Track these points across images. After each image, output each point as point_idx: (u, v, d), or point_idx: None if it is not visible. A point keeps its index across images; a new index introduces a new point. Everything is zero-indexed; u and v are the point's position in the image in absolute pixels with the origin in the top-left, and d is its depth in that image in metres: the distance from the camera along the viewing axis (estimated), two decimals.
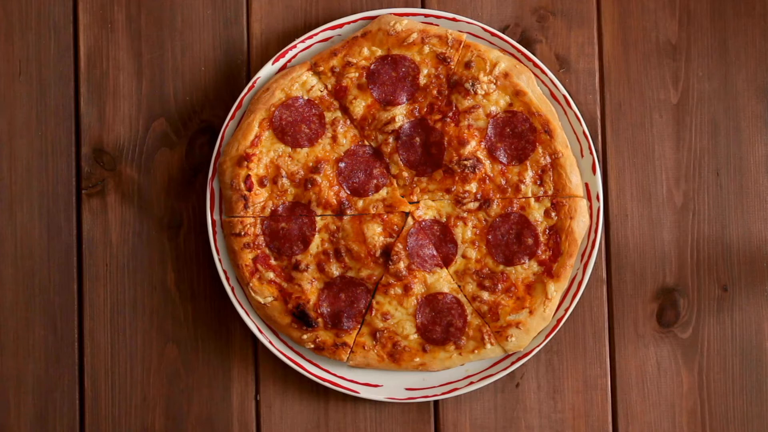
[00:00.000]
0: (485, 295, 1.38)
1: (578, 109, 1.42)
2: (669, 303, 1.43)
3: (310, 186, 1.40)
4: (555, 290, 1.37)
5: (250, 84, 1.41)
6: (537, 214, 1.39)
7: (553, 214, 1.39)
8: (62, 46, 1.46)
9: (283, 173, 1.40)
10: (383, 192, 1.41)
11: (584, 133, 1.40)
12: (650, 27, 1.45)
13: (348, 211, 1.40)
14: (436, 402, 1.42)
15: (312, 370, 1.40)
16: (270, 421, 1.42)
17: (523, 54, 1.41)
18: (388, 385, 1.40)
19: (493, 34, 1.41)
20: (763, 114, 1.44)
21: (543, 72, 1.41)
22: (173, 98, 1.45)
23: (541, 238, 1.39)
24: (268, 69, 1.42)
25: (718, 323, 1.42)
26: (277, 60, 1.42)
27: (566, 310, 1.39)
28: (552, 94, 1.41)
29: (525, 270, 1.39)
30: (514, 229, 1.39)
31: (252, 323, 1.40)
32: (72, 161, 1.45)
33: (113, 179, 1.44)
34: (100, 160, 1.45)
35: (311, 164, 1.40)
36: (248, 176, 1.38)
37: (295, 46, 1.42)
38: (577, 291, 1.39)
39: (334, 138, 1.41)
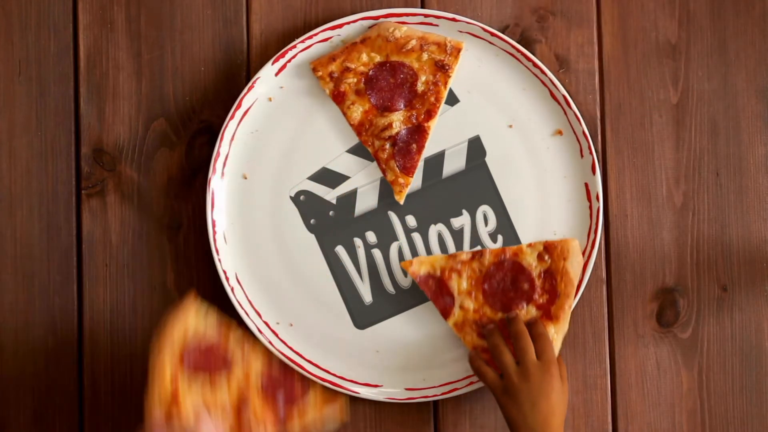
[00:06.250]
0: (486, 344, 1.37)
1: (578, 109, 1.42)
2: (669, 303, 1.43)
3: None
4: (555, 332, 1.37)
5: (249, 84, 1.41)
6: (530, 258, 1.38)
7: (546, 257, 1.38)
8: (62, 46, 1.45)
9: None
10: None
11: (584, 133, 1.40)
12: (650, 27, 1.45)
13: None
14: (435, 402, 1.42)
15: (312, 371, 1.40)
16: None
17: (522, 54, 1.40)
18: (388, 385, 1.40)
19: (492, 34, 1.41)
20: (763, 114, 1.44)
21: (543, 72, 1.40)
22: (173, 98, 1.45)
23: (537, 283, 1.38)
24: (268, 69, 1.41)
25: (718, 323, 1.42)
26: (276, 60, 1.41)
27: None
28: (552, 94, 1.41)
29: (524, 316, 1.38)
30: (508, 276, 1.38)
31: (252, 323, 1.40)
32: (72, 161, 1.45)
33: (113, 179, 1.44)
34: (100, 161, 1.44)
35: None
36: None
37: (294, 47, 1.42)
38: (576, 291, 1.39)
39: None
